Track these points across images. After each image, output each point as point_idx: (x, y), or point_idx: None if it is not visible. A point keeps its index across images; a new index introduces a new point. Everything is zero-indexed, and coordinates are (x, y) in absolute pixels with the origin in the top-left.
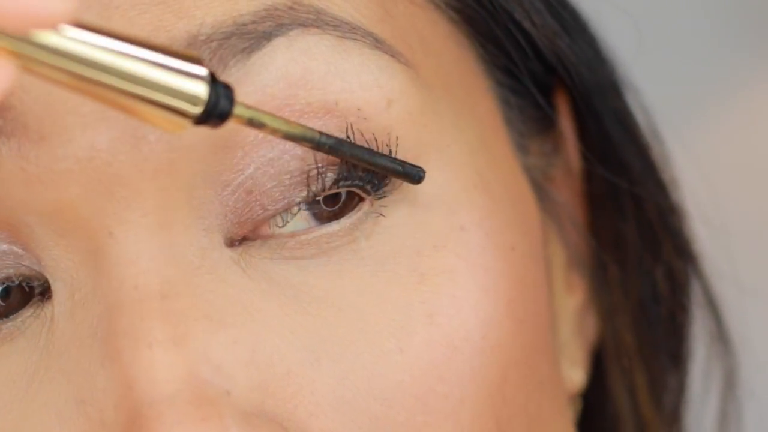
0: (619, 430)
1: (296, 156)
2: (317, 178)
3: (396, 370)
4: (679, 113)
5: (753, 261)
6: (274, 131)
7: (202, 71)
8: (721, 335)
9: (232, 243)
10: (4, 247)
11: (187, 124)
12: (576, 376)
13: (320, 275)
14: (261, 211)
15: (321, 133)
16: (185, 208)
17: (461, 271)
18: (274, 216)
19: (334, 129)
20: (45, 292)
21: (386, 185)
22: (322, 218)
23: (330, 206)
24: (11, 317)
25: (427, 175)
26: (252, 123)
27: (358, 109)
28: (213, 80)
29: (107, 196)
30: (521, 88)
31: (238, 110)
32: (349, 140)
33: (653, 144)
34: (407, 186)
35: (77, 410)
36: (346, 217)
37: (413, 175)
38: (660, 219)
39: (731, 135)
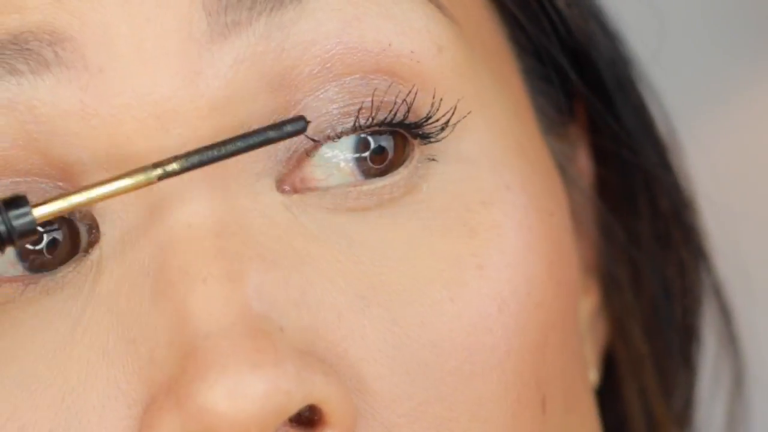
0: (630, 429)
1: (347, 90)
2: (368, 112)
3: (446, 318)
4: (685, 113)
5: (763, 261)
6: (94, 201)
7: None
8: (730, 335)
9: (282, 185)
10: (53, 184)
11: None
12: (589, 375)
13: (373, 227)
14: (304, 140)
15: (156, 164)
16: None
17: (508, 228)
18: (316, 147)
19: (387, 69)
20: (92, 237)
21: (431, 134)
22: (370, 175)
23: (377, 164)
24: (53, 271)
25: (472, 131)
26: (64, 211)
27: (411, 51)
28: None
29: (163, 132)
30: (546, 86)
31: (42, 212)
32: (200, 148)
33: (668, 139)
34: (450, 139)
35: (126, 350)
36: (392, 174)
37: (296, 129)
38: (674, 215)
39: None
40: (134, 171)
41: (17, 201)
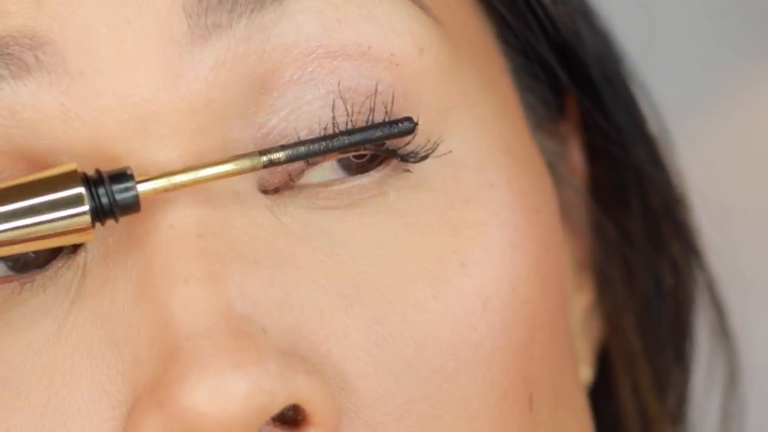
0: (624, 426)
1: (328, 102)
2: (346, 115)
3: (430, 317)
4: (678, 110)
5: (757, 258)
6: (197, 182)
7: (77, 189)
8: (724, 332)
9: (265, 189)
10: None
11: (92, 232)
12: (583, 372)
13: (355, 225)
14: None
15: (262, 151)
16: (221, 151)
17: (492, 226)
18: (302, 172)
19: (367, 73)
20: None
21: (408, 159)
22: (351, 170)
23: (359, 158)
24: (44, 267)
25: (456, 131)
26: (168, 190)
27: (391, 54)
28: (99, 179)
29: (144, 134)
30: (534, 83)
31: (146, 188)
32: (306, 140)
33: (660, 137)
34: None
35: (110, 351)
36: (374, 171)
37: (405, 128)
38: (666, 211)
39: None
40: (240, 156)
41: (121, 175)
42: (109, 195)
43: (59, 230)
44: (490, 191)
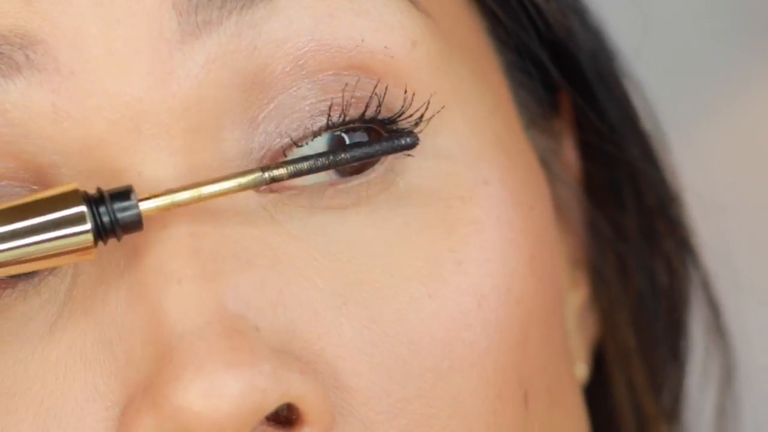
0: (620, 424)
1: (319, 87)
2: (341, 109)
3: (424, 315)
4: (678, 109)
5: (751, 256)
6: (203, 199)
7: (79, 208)
8: (719, 330)
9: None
10: (28, 188)
11: (94, 252)
12: (578, 370)
13: (352, 225)
14: (278, 139)
15: (263, 168)
16: (213, 149)
17: (487, 224)
18: (291, 146)
19: (360, 66)
20: None
21: (404, 125)
22: (344, 173)
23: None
24: (29, 275)
25: (449, 127)
26: (170, 208)
27: (385, 47)
28: (100, 198)
29: (136, 133)
30: (527, 79)
31: (149, 206)
32: (309, 155)
33: (654, 134)
34: (427, 135)
35: (103, 351)
36: (366, 173)
37: (408, 143)
38: (660, 208)
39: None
40: (241, 173)
41: (123, 194)
42: (111, 214)
43: (61, 250)
44: (485, 188)
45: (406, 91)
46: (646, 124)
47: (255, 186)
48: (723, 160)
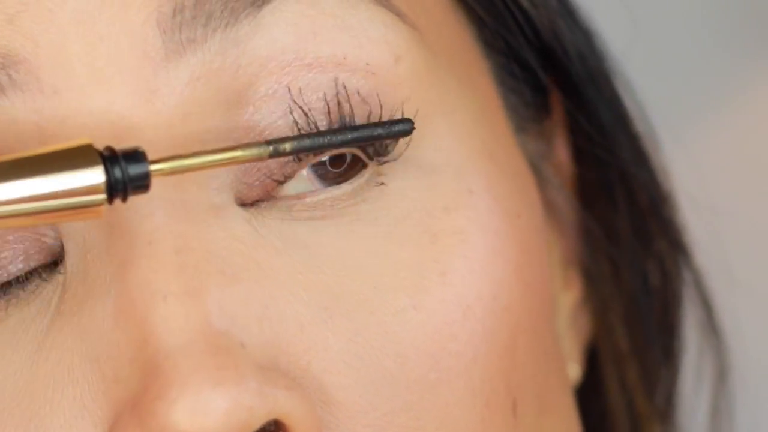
0: (613, 424)
1: (302, 114)
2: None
3: (410, 327)
4: (670, 111)
5: (744, 255)
6: (210, 165)
7: (93, 160)
8: (713, 329)
9: (243, 203)
10: None
11: (102, 209)
12: (571, 370)
13: (333, 236)
14: (265, 169)
15: (269, 141)
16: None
17: (472, 233)
18: (277, 173)
19: (344, 84)
20: (58, 253)
21: (388, 152)
22: (328, 179)
23: (336, 167)
24: (22, 283)
25: (433, 138)
26: (176, 172)
27: (367, 64)
28: (113, 156)
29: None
30: (517, 83)
31: (157, 167)
32: (308, 132)
33: (645, 134)
34: (412, 150)
35: (91, 368)
36: (349, 182)
37: (404, 129)
38: (652, 209)
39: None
40: (248, 144)
41: (134, 153)
42: (124, 171)
43: (72, 205)
44: (469, 197)
45: (382, 107)
46: (638, 124)
47: (259, 157)
48: (715, 160)
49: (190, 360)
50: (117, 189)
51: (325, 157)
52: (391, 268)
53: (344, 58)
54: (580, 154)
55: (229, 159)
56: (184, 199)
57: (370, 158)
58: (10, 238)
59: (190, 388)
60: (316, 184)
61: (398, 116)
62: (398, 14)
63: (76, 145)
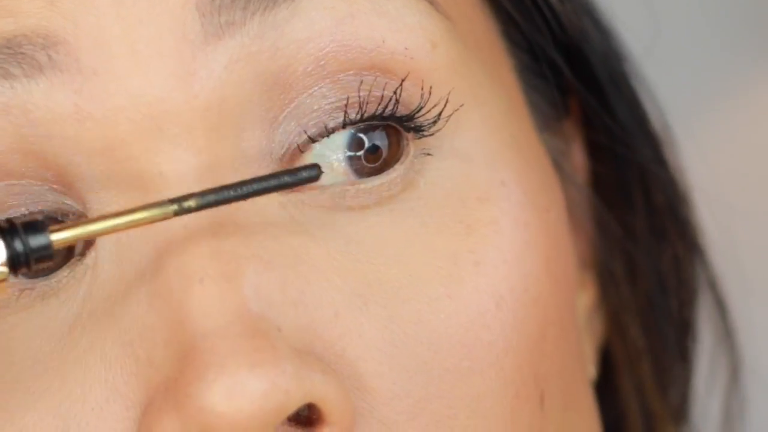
0: (627, 424)
1: (339, 87)
2: (358, 106)
3: (444, 315)
4: (687, 110)
5: (759, 256)
6: (112, 230)
7: None
8: (726, 330)
9: None
10: (47, 187)
11: (6, 285)
12: (588, 372)
13: (370, 225)
14: (297, 137)
15: (172, 199)
16: (234, 149)
17: (505, 224)
18: (308, 144)
19: (380, 66)
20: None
21: (423, 126)
22: (364, 173)
23: (371, 162)
24: (48, 276)
25: (467, 128)
26: (79, 239)
27: (405, 48)
28: (12, 228)
29: (158, 133)
30: (539, 81)
31: (59, 237)
32: (216, 188)
33: (663, 134)
34: (446, 136)
35: (123, 352)
36: (386, 173)
37: (311, 175)
38: (669, 209)
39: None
40: (151, 205)
41: (35, 225)
42: (25, 244)
43: None
44: (502, 189)
45: (422, 88)
46: (656, 124)
47: (163, 217)
48: (731, 160)
49: (228, 342)
50: (19, 262)
51: (360, 152)
52: (426, 256)
53: (383, 42)
54: (597, 154)
55: (132, 222)
56: (219, 183)
57: (408, 130)
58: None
59: (228, 370)
60: (352, 177)
61: (434, 97)
62: (432, 3)
63: None
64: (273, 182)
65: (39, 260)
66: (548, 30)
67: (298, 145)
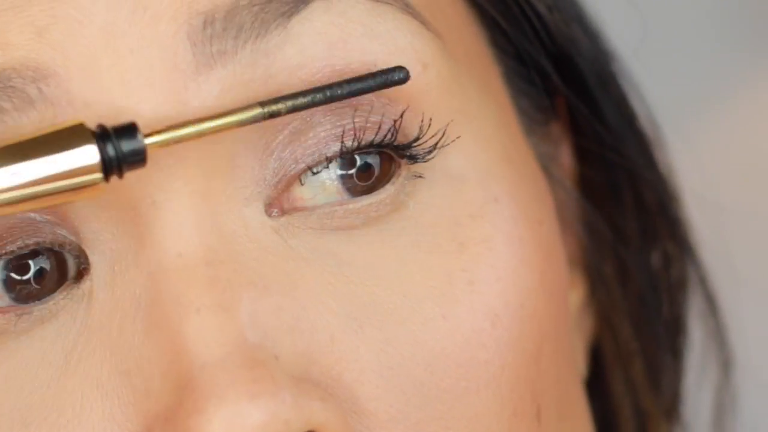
0: (619, 422)
1: (331, 114)
2: (354, 134)
3: (439, 336)
4: (677, 110)
5: (749, 254)
6: (203, 134)
7: (87, 142)
8: (717, 327)
9: (271, 209)
10: (42, 218)
11: (103, 186)
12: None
13: (362, 245)
14: (293, 165)
15: (262, 102)
16: (227, 176)
17: (498, 241)
18: (305, 171)
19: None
20: (80, 267)
21: (418, 156)
22: (356, 192)
23: (363, 180)
24: (43, 300)
25: (458, 146)
26: (169, 143)
27: None
28: (105, 133)
29: (151, 163)
30: (527, 86)
31: (152, 141)
32: (300, 91)
33: (652, 134)
34: (439, 154)
35: (120, 382)
36: (377, 192)
37: (400, 77)
38: (659, 208)
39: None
40: (242, 108)
41: (128, 128)
42: (117, 148)
43: (68, 186)
44: (495, 205)
45: (422, 120)
46: (644, 124)
47: (254, 121)
48: (721, 159)
49: (226, 373)
50: (112, 166)
51: (352, 170)
52: (419, 276)
53: (375, 65)
54: (586, 155)
55: (224, 125)
56: (212, 209)
57: (402, 157)
58: (33, 249)
59: (228, 402)
60: (345, 196)
61: (433, 127)
62: (423, 22)
63: (69, 126)
64: (359, 86)
65: (131, 165)
66: (537, 38)
67: (297, 174)
